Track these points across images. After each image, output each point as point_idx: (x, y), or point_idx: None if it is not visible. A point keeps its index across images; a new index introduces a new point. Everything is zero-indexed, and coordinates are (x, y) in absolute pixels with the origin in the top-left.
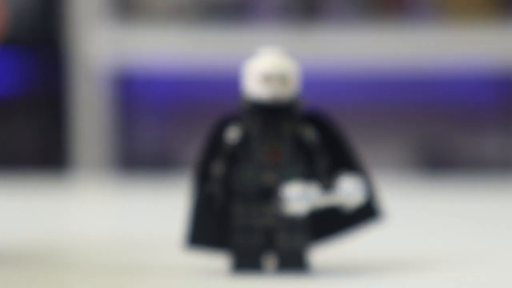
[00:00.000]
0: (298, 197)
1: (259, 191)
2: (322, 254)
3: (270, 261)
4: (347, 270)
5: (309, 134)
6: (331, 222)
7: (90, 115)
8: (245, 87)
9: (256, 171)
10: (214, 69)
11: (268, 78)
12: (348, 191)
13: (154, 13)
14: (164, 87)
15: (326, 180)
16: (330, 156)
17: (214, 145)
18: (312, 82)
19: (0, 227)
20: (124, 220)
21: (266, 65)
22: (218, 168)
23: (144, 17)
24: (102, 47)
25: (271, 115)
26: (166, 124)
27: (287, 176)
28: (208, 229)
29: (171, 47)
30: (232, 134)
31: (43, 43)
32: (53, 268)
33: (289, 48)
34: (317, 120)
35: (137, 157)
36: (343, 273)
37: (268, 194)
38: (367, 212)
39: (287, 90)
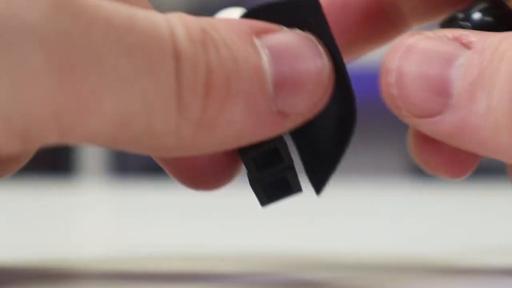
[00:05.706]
0: None
1: None
2: (319, 253)
3: None
4: (342, 269)
5: None
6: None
7: None
8: None
9: None
10: None
11: None
12: None
13: None
14: None
15: None
16: None
17: None
18: None
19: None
20: (125, 220)
21: None
22: None
23: None
24: None
25: None
26: None
27: None
28: None
29: None
30: None
31: None
32: (59, 260)
33: None
34: None
35: (136, 159)
36: (340, 273)
37: None
38: None
39: None
